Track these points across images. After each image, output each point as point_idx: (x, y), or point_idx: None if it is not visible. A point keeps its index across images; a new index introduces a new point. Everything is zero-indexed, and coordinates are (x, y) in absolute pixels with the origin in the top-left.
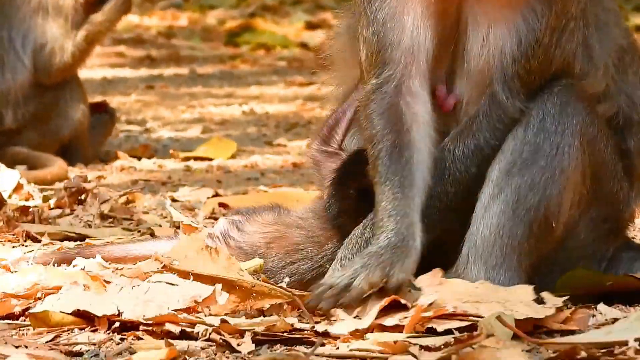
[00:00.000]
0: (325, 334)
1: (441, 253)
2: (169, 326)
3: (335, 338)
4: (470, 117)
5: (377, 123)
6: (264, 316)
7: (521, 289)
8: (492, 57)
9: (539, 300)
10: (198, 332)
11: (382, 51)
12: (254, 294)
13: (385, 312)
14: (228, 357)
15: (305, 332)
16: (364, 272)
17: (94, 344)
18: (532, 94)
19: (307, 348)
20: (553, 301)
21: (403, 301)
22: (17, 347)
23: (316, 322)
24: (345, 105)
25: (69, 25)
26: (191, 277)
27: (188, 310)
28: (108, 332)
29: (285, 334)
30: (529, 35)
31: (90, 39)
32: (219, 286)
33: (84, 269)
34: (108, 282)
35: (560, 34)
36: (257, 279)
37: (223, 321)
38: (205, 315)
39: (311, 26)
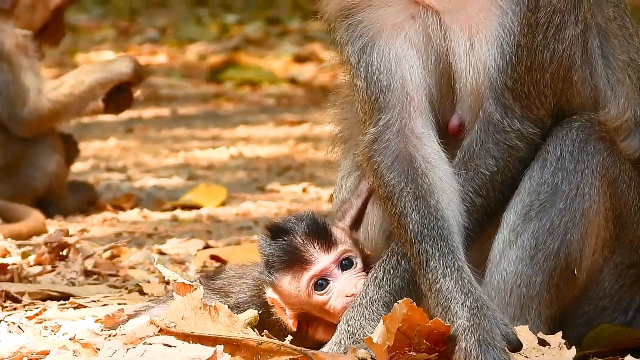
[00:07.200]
0: None
1: None
2: None
3: None
4: (465, 145)
5: (388, 177)
6: None
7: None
8: (478, 71)
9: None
10: None
11: (374, 98)
12: (261, 353)
13: None
14: None
15: None
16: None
17: None
18: (536, 120)
19: None
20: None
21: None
22: None
23: None
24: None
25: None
26: (190, 340)
27: None
28: None
29: None
30: (509, 39)
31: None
32: (220, 347)
33: (73, 338)
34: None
35: (545, 31)
36: (262, 335)
37: None
38: None
39: (299, 59)
